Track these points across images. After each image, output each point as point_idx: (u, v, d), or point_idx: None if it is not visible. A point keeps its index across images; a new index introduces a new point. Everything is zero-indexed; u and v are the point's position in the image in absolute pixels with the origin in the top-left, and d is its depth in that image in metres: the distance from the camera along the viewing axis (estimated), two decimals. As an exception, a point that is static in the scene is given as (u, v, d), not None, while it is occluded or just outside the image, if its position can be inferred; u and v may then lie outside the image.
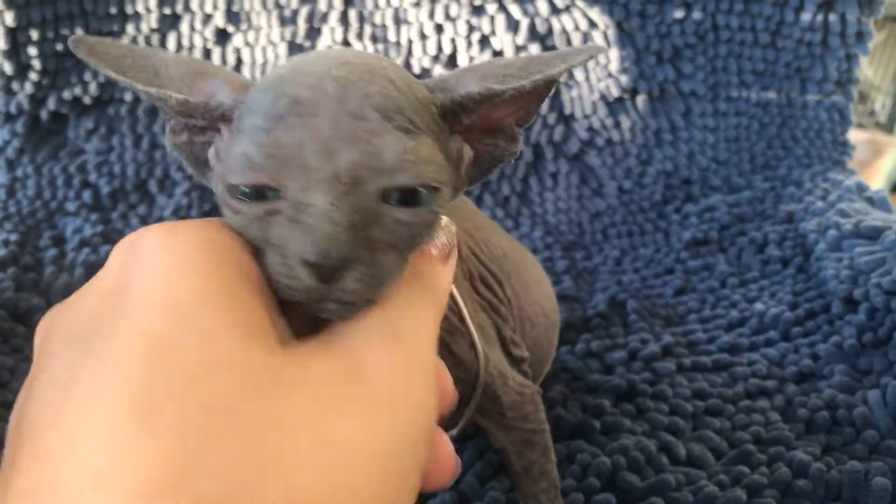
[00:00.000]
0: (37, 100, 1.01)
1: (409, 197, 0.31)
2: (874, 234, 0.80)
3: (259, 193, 0.30)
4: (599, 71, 1.04)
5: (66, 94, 1.01)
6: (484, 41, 1.02)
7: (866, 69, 2.23)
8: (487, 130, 0.36)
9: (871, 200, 0.92)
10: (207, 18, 1.00)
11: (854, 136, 1.27)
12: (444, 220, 0.37)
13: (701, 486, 0.58)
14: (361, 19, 1.01)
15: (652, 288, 0.89)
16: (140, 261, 0.28)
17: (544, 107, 1.04)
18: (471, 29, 1.02)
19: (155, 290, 0.27)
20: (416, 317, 0.32)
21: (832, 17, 1.00)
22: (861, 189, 0.94)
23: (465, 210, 0.55)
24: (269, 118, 0.30)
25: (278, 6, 1.01)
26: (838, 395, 0.66)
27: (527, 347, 0.55)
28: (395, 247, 0.31)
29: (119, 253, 0.29)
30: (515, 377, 0.50)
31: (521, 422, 0.50)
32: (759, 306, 0.80)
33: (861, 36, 1.02)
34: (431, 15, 1.01)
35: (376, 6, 1.01)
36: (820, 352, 0.72)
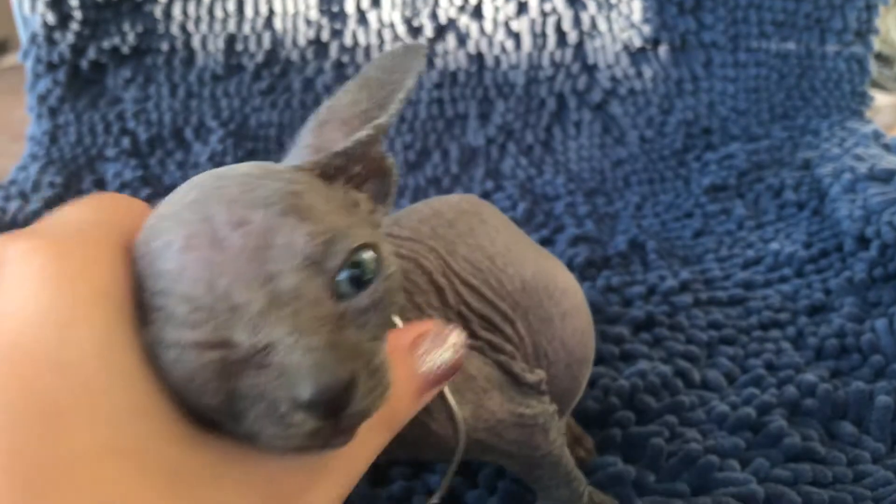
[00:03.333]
0: (77, 49, 1.04)
1: (355, 276, 0.28)
2: (887, 177, 0.83)
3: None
4: (622, 21, 1.07)
5: (106, 44, 1.04)
6: (509, -8, 1.05)
7: (893, 32, 2.23)
8: (367, 167, 0.34)
9: (886, 147, 0.94)
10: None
11: (880, 99, 1.28)
12: (455, 334, 0.35)
13: (713, 406, 0.62)
14: (390, -29, 1.04)
15: (671, 231, 0.93)
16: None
17: (568, 57, 1.07)
18: (496, -20, 1.04)
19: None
20: (357, 455, 0.30)
21: (852, -32, 1.02)
22: (877, 136, 0.97)
23: (481, 235, 0.49)
24: (158, 281, 0.27)
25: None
26: (847, 325, 0.69)
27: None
28: (376, 337, 0.29)
29: None
30: (525, 410, 0.45)
31: (528, 451, 0.46)
32: (774, 246, 0.83)
33: (881, -14, 1.03)
34: (458, -34, 1.04)
35: (404, -42, 1.04)
36: (831, 286, 0.76)
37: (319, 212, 0.28)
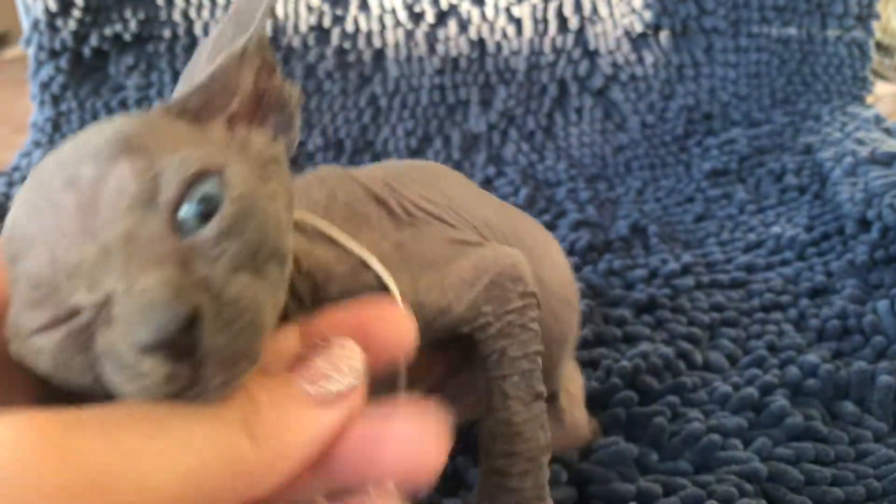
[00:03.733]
0: (80, 37, 1.04)
1: (203, 210, 0.25)
2: (888, 160, 0.83)
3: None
4: (623, 7, 1.07)
5: (108, 31, 1.04)
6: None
7: (894, 22, 2.23)
8: (266, 101, 0.31)
9: (887, 131, 0.94)
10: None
11: (881, 88, 1.29)
12: (357, 357, 0.29)
13: (716, 387, 0.62)
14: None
15: (673, 215, 0.93)
16: None
17: (569, 42, 1.07)
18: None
19: None
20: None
21: (854, -48, 1.02)
22: (878, 120, 0.97)
23: (439, 181, 0.48)
24: (9, 270, 0.26)
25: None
26: (849, 306, 0.70)
27: None
28: (238, 268, 0.25)
29: None
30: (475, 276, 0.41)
31: (493, 319, 0.42)
32: (775, 229, 0.84)
33: (883, -29, 1.04)
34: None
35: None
36: (833, 269, 0.76)
37: (156, 148, 0.26)
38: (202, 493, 0.24)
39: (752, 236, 0.85)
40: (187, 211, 0.25)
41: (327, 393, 0.27)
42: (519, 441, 0.41)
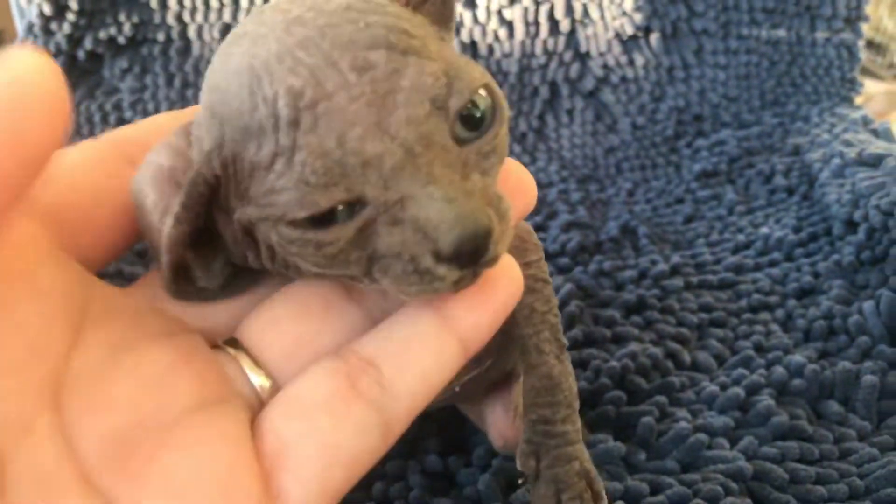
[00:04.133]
0: (74, 40, 1.05)
1: (470, 118, 0.26)
2: (875, 161, 0.84)
3: (327, 218, 0.25)
4: (614, 9, 1.07)
5: (102, 35, 1.05)
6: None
7: (886, 21, 2.24)
8: None
9: (875, 132, 0.95)
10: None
11: (873, 87, 1.29)
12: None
13: (703, 387, 0.63)
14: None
15: (662, 216, 0.94)
16: None
17: (560, 44, 1.08)
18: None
19: None
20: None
21: (842, -45, 1.03)
22: (866, 121, 0.98)
23: None
24: (283, 133, 0.24)
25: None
26: (835, 307, 0.71)
27: None
28: (495, 177, 0.27)
29: None
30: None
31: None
32: (764, 230, 0.85)
33: (871, -27, 1.05)
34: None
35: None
36: (820, 269, 0.77)
37: (432, 49, 0.26)
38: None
39: (740, 237, 0.85)
40: (467, 121, 0.26)
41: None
42: (559, 391, 0.42)
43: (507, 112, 0.27)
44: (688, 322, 0.72)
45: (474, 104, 0.26)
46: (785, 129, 1.03)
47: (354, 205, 0.25)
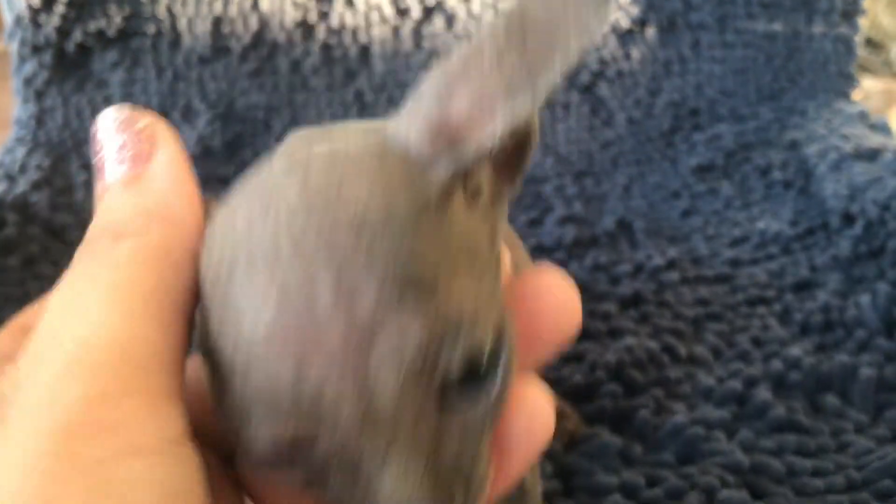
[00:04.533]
0: (63, 32, 1.04)
1: (468, 371, 0.22)
2: (872, 155, 0.83)
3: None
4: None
5: (92, 27, 1.04)
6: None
7: (883, 18, 2.24)
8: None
9: (872, 126, 0.95)
10: (227, -48, 1.03)
11: (869, 85, 1.29)
12: None
13: (700, 380, 0.62)
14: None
15: (659, 211, 0.93)
16: None
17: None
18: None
19: None
20: None
21: (839, -52, 1.02)
22: (863, 116, 0.97)
23: None
24: (247, 359, 0.21)
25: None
26: (832, 300, 0.70)
27: None
28: (485, 435, 0.23)
29: None
30: None
31: None
32: (760, 225, 0.84)
33: (868, -32, 1.04)
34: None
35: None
36: (817, 263, 0.76)
37: (443, 281, 0.21)
38: None
39: (737, 231, 0.85)
40: (462, 379, 0.22)
41: None
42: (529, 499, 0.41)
43: (512, 358, 0.23)
44: (684, 316, 0.72)
45: (473, 364, 0.22)
46: (782, 124, 1.03)
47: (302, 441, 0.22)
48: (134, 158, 0.25)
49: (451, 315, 0.21)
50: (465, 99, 0.23)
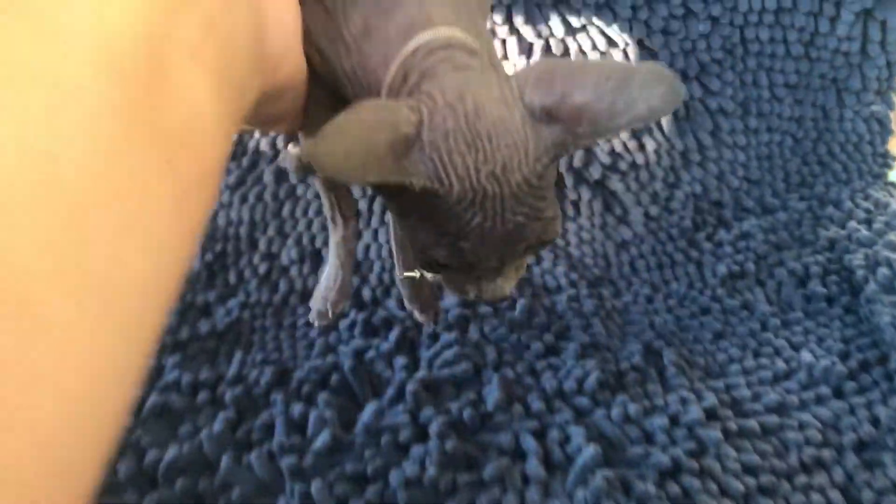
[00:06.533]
0: None
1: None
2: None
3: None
4: (621, 90, 0.97)
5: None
6: (496, 63, 0.96)
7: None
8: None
9: (920, 224, 0.85)
10: None
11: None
12: None
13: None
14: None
15: (688, 331, 0.84)
16: None
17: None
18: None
19: None
20: None
21: (872, 26, 0.92)
22: (907, 212, 0.88)
23: None
24: (457, 226, 0.38)
25: None
26: (906, 473, 0.61)
27: None
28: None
29: None
30: None
31: None
32: (806, 356, 0.75)
33: (903, 42, 0.95)
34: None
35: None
36: (880, 414, 0.67)
37: (550, 196, 0.40)
38: None
39: (779, 363, 0.75)
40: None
41: None
42: None
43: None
44: (732, 490, 0.62)
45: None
46: (815, 216, 0.93)
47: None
48: None
49: (550, 216, 0.40)
50: (582, 98, 0.35)
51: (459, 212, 0.37)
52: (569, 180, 0.98)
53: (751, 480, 0.63)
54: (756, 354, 0.78)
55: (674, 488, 0.63)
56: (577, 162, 0.98)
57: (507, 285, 0.42)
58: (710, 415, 0.70)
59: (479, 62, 0.38)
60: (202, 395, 0.74)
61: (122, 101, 0.23)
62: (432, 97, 0.36)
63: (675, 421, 0.69)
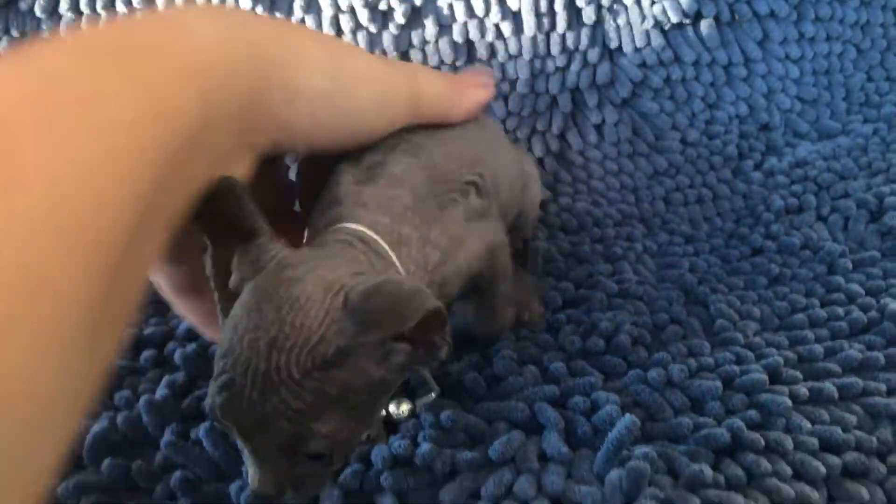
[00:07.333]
0: None
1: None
2: None
3: None
4: (653, -9, 0.83)
5: None
6: None
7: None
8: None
9: None
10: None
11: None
12: None
13: None
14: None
15: (737, 275, 0.69)
16: None
17: (583, 41, 0.84)
18: None
19: None
20: None
21: None
22: None
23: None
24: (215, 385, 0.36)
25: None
26: None
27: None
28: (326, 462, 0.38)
29: None
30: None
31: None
32: (891, 304, 0.61)
33: None
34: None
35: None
36: None
37: (330, 410, 0.36)
38: None
39: (856, 312, 0.61)
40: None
41: None
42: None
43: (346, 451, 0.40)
44: (810, 472, 0.48)
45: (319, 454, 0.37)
46: (883, 140, 0.79)
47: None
48: None
49: (329, 431, 0.36)
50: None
51: (217, 361, 0.36)
52: (591, 100, 0.84)
53: (833, 459, 0.49)
54: (825, 303, 0.64)
55: (733, 469, 0.49)
56: (600, 78, 0.84)
57: (263, 480, 0.37)
58: (774, 376, 0.56)
59: (364, 251, 0.40)
60: (146, 354, 0.62)
61: None
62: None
63: (728, 384, 0.55)
